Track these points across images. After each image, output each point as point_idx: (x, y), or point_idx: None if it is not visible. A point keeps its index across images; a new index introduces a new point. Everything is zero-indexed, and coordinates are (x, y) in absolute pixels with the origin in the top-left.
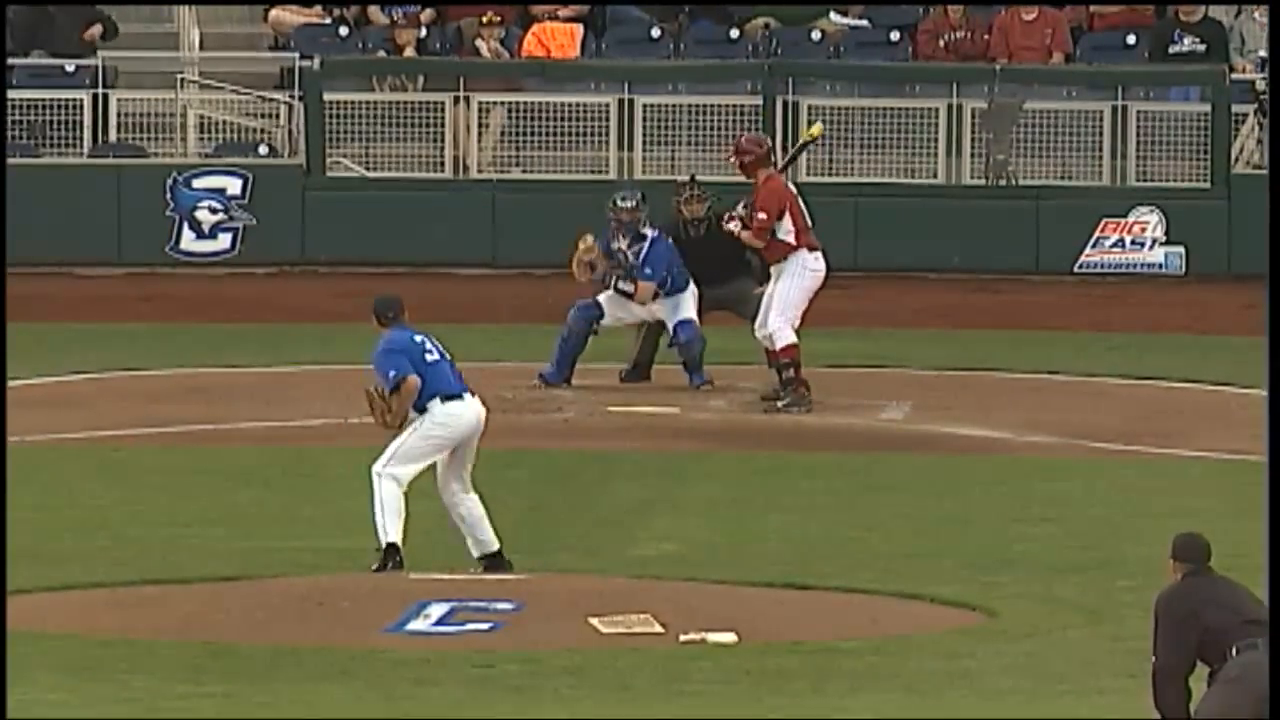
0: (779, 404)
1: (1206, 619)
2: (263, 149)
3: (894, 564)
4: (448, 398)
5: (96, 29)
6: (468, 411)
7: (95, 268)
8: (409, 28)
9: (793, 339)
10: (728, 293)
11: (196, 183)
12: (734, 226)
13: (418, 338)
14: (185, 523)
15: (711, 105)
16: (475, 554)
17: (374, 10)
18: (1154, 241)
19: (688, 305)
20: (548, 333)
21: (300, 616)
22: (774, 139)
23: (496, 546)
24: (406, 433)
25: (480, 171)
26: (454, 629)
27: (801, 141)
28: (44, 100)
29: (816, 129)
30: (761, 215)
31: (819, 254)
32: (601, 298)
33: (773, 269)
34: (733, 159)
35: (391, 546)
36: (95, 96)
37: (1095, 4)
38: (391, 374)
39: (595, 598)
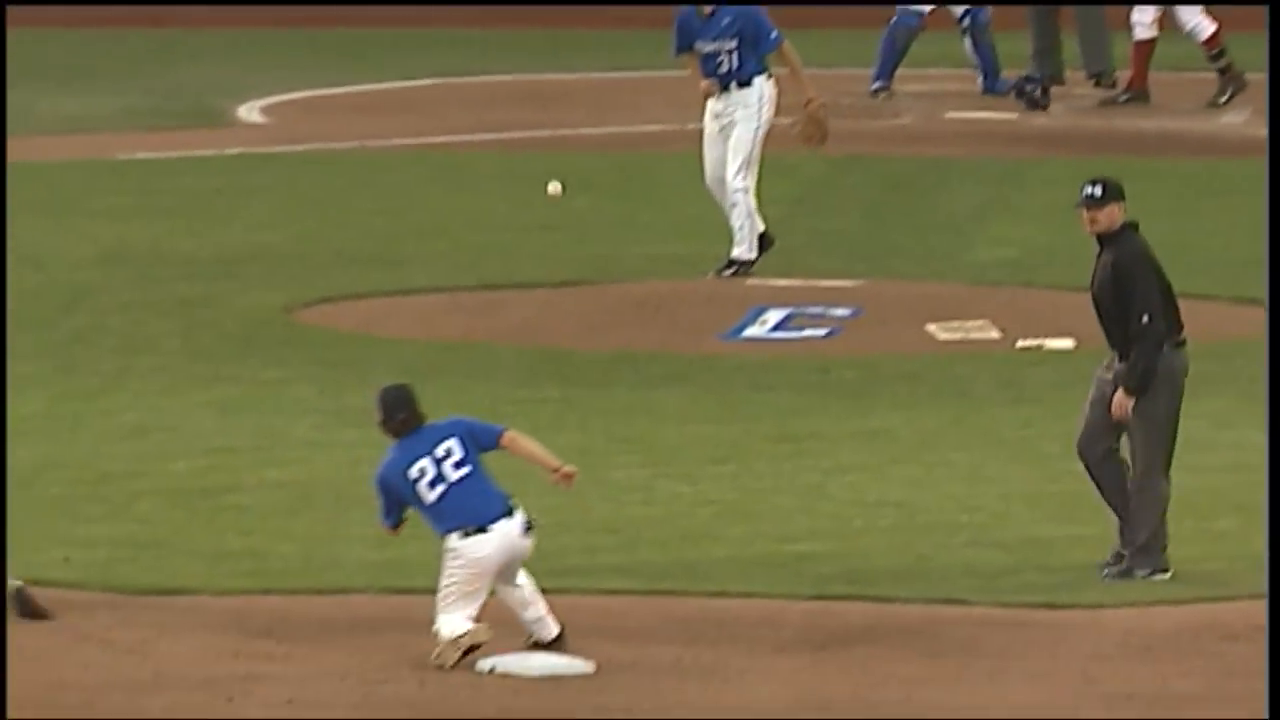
0: (1220, 100)
1: None
2: None
3: (1232, 269)
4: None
5: None
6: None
7: None
8: None
9: (1214, 25)
10: None
11: None
12: None
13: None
14: (524, 228)
15: None
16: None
17: None
18: None
19: None
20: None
21: (638, 322)
22: None
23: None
24: None
25: None
26: (791, 334)
27: None
28: None
29: None
30: None
31: None
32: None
33: None
34: None
35: (761, 236)
36: None
37: None
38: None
39: (932, 303)
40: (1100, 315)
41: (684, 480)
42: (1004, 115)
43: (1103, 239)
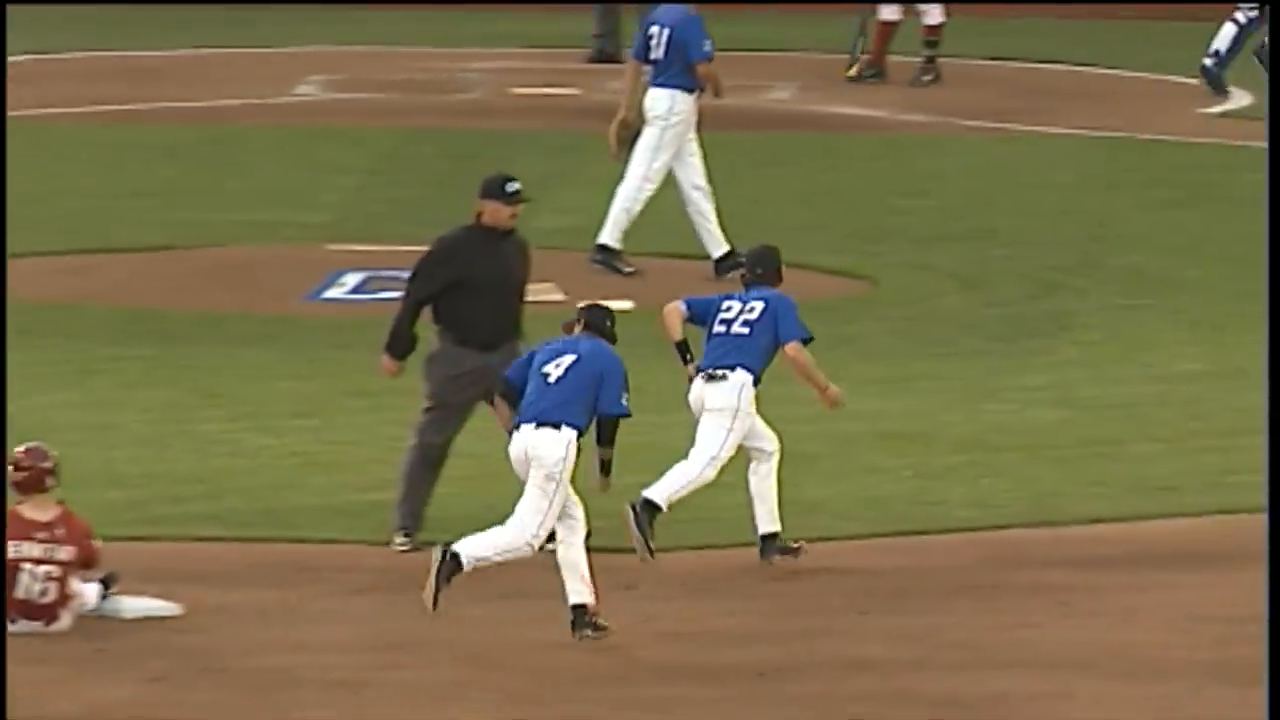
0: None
1: None
2: None
3: (783, 234)
4: None
5: None
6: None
7: None
8: None
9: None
10: None
11: None
12: None
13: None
14: (116, 195)
15: None
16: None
17: None
18: None
19: None
20: None
21: (224, 284)
22: None
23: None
24: None
25: None
26: (368, 296)
27: None
28: None
29: None
30: None
31: None
32: None
33: None
34: None
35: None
36: None
37: None
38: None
39: None
40: (504, 302)
41: (269, 433)
42: (567, 91)
43: (504, 232)
